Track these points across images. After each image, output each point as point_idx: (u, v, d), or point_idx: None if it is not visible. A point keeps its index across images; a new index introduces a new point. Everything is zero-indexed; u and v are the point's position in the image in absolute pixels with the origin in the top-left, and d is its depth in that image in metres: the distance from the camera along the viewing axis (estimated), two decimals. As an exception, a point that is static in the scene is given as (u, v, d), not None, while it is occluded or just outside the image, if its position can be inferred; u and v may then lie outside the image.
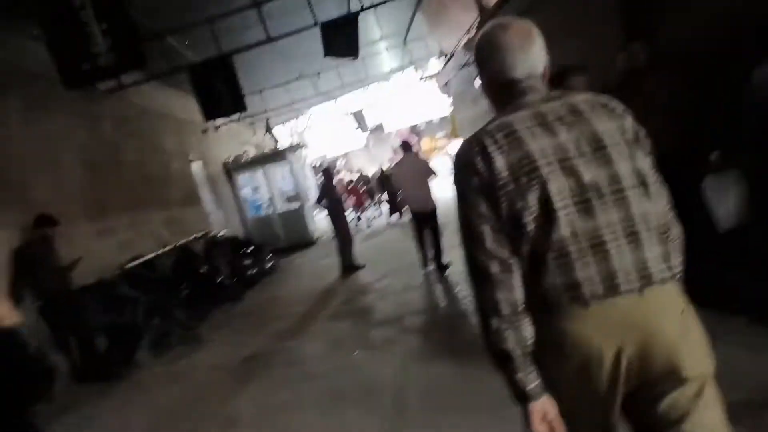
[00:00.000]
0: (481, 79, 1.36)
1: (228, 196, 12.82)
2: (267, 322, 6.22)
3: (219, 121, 14.13)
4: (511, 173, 1.18)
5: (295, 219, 12.95)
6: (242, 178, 13.49)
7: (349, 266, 8.19)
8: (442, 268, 6.40)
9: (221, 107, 8.03)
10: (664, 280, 1.18)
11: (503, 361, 1.21)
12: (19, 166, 5.72)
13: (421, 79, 16.42)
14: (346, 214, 8.94)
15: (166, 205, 9.11)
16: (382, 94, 21.90)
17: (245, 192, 13.47)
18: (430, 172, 6.50)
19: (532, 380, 1.21)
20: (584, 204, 1.16)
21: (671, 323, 1.17)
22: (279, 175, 14.03)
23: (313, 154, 29.04)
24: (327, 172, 8.42)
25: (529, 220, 1.17)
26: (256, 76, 12.42)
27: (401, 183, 6.78)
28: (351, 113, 19.10)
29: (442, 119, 26.13)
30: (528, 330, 1.21)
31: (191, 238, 8.93)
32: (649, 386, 1.19)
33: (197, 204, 10.59)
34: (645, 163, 1.22)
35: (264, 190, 13.65)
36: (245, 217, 13.11)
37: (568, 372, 1.19)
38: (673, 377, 1.17)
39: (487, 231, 1.20)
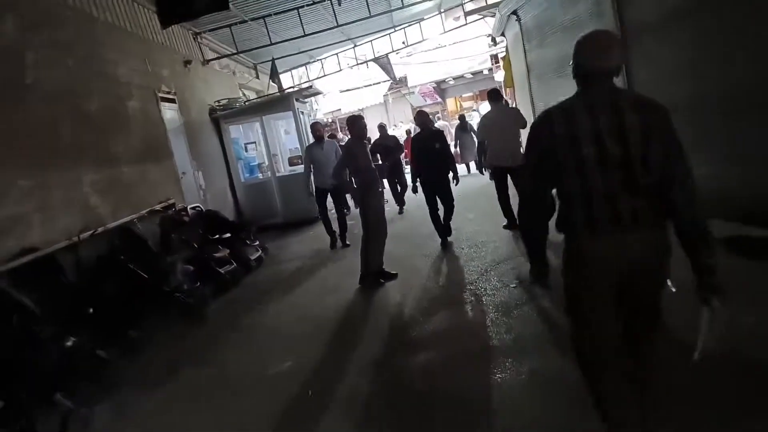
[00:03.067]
0: (573, 65, 1.90)
1: (214, 153, 9.84)
2: (228, 399, 3.38)
3: (209, 53, 11.09)
4: (562, 139, 1.81)
5: (300, 187, 9.97)
6: (234, 130, 10.49)
7: (375, 274, 5.32)
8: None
9: (190, 3, 4.93)
10: (652, 224, 1.79)
11: (528, 242, 2.94)
12: None
13: (467, 14, 12.96)
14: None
15: (111, 159, 6.16)
16: (409, 39, 18.44)
17: (237, 148, 10.49)
18: (521, 123, 6.08)
19: (540, 255, 3.02)
20: (604, 166, 1.77)
21: (655, 254, 1.82)
22: (282, 129, 11.04)
23: (323, 108, 25.85)
24: (355, 125, 5.36)
25: (568, 171, 1.82)
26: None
27: (487, 135, 6.31)
28: (374, 58, 15.80)
29: (475, 74, 22.65)
30: (545, 231, 2.43)
31: (142, 213, 6.03)
32: (634, 297, 1.89)
33: (164, 161, 7.61)
34: (654, 149, 1.74)
35: (262, 147, 10.68)
36: (234, 182, 10.15)
37: (582, 274, 1.89)
38: (649, 293, 1.90)
39: (539, 173, 1.95)
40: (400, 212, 9.35)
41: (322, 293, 5.35)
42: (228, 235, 6.28)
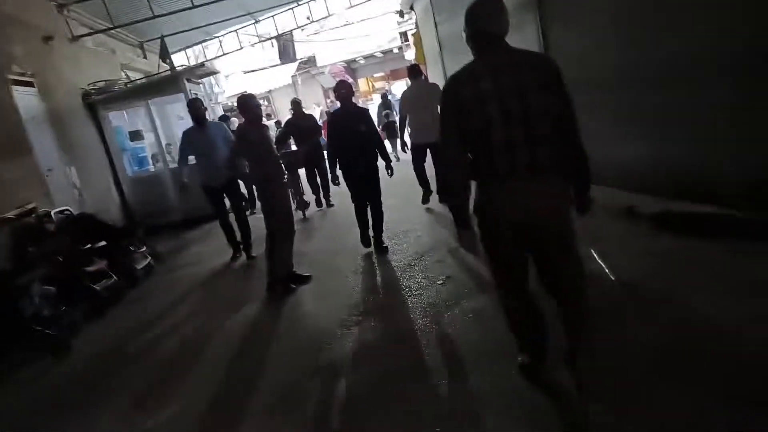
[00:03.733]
0: (468, 32, 2.13)
1: (90, 144, 8.49)
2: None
3: (79, 28, 9.49)
4: (469, 100, 2.03)
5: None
6: (117, 117, 9.15)
7: (283, 279, 4.62)
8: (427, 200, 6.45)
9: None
10: (548, 171, 2.01)
11: (449, 197, 2.50)
12: None
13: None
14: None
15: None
16: (314, 15, 17.44)
17: (121, 138, 9.16)
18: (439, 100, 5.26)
19: (464, 209, 2.34)
20: (505, 122, 1.99)
21: (551, 198, 2.05)
22: (174, 113, 9.78)
23: (228, 91, 24.17)
24: (246, 106, 4.53)
25: (476, 129, 2.04)
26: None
27: (409, 111, 6.14)
28: (275, 36, 14.71)
29: (386, 53, 22.15)
30: (466, 189, 2.23)
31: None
32: (541, 239, 2.09)
33: (21, 157, 6.29)
34: (550, 100, 1.98)
35: (151, 136, 9.41)
36: (120, 177, 8.86)
37: (491, 218, 2.13)
38: (553, 234, 2.08)
39: (454, 134, 2.11)
40: (328, 206, 8.08)
41: (221, 308, 4.57)
42: (105, 242, 5.23)
